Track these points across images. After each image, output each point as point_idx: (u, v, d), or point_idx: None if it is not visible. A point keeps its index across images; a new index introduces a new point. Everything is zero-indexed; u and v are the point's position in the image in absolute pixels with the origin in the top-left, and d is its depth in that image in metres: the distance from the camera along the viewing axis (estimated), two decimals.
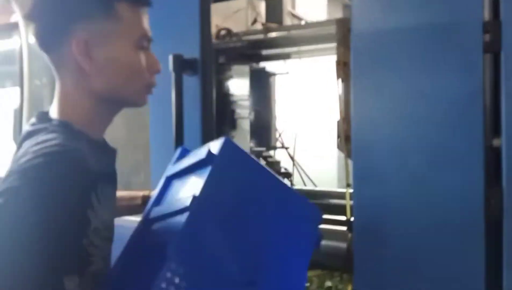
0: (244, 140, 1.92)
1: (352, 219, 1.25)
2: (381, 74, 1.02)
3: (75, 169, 0.72)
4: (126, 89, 0.84)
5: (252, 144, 1.96)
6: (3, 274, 0.66)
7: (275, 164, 2.03)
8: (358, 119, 1.04)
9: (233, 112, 1.89)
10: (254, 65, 1.87)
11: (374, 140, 1.01)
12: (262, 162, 1.97)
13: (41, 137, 0.75)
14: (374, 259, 1.01)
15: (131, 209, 1.14)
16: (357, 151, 1.04)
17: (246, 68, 1.80)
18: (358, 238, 1.04)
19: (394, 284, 1.00)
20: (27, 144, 0.77)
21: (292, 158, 2.26)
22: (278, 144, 2.15)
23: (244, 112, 1.91)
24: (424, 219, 0.97)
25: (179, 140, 1.31)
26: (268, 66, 1.93)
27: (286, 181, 1.96)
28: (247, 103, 1.90)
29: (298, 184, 2.05)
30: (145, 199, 1.10)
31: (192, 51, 1.35)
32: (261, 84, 1.89)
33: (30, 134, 0.80)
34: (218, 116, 1.85)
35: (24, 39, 1.91)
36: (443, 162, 0.96)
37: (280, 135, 2.22)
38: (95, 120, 0.83)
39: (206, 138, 1.35)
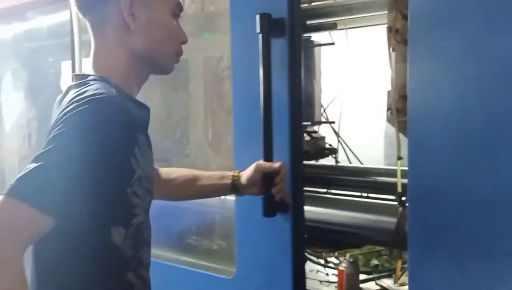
0: None
1: (403, 194, 1.20)
2: (440, 36, 0.94)
3: (119, 115, 0.74)
4: (161, 52, 0.88)
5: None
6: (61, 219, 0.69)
7: (320, 140, 1.97)
8: (415, 86, 0.97)
9: None
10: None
11: (432, 108, 0.95)
12: (306, 137, 1.92)
13: (82, 89, 0.78)
14: (430, 232, 0.96)
15: (220, 189, 1.13)
16: (413, 119, 0.98)
17: None
18: (413, 212, 0.99)
19: (450, 257, 0.94)
20: (67, 98, 0.80)
21: (337, 133, 2.20)
22: (323, 119, 2.09)
23: None
24: (484, 191, 0.90)
25: (267, 107, 1.15)
26: (313, 37, 1.85)
27: (330, 158, 1.91)
28: None
29: (343, 161, 1.99)
30: (235, 179, 1.08)
31: (278, 11, 1.19)
32: (306, 56, 1.82)
33: (69, 89, 0.84)
34: None
35: (74, 11, 1.96)
36: (509, 131, 0.88)
37: (324, 110, 2.16)
38: (129, 80, 0.87)
39: (294, 106, 1.20)
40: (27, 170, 0.68)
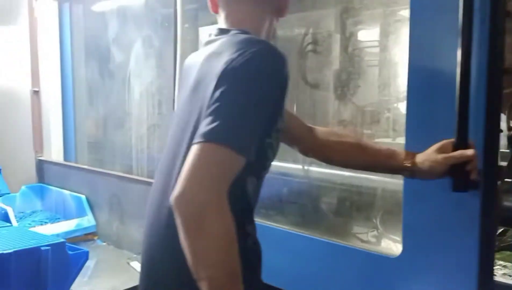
0: (371, 89, 1.86)
1: None
2: None
3: (284, 65, 0.76)
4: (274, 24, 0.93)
5: (378, 94, 1.90)
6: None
7: (401, 116, 1.96)
8: None
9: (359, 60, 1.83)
10: (385, 9, 1.78)
11: None
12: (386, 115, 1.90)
13: (236, 38, 0.79)
14: None
15: (388, 168, 1.03)
16: None
17: (377, 12, 1.72)
18: None
19: None
20: (209, 48, 0.83)
21: None
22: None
23: (373, 60, 1.84)
24: None
25: (465, 74, 0.93)
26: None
27: None
28: (376, 50, 1.82)
29: None
30: (409, 163, 0.96)
31: None
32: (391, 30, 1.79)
33: (210, 42, 0.86)
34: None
35: None
36: None
37: (402, 86, 2.11)
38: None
39: (495, 73, 0.98)
40: (220, 119, 0.68)
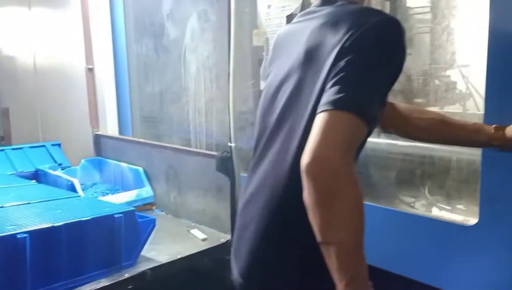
0: (421, 58, 1.83)
1: None
2: None
3: (404, 37, 0.76)
4: None
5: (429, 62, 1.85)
6: None
7: (450, 85, 1.90)
8: None
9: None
10: None
11: None
12: (436, 82, 1.86)
13: (349, 8, 0.79)
14: None
15: (474, 143, 1.02)
16: None
17: None
18: None
19: None
20: (314, 18, 0.83)
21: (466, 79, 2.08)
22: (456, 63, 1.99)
23: (423, 27, 1.80)
24: None
25: None
26: None
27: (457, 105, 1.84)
28: (427, 16, 1.77)
29: (471, 109, 1.91)
30: (497, 137, 0.95)
31: None
32: None
33: (311, 12, 0.87)
34: None
35: None
36: None
37: (455, 53, 2.05)
38: None
39: None
40: (349, 88, 0.69)
